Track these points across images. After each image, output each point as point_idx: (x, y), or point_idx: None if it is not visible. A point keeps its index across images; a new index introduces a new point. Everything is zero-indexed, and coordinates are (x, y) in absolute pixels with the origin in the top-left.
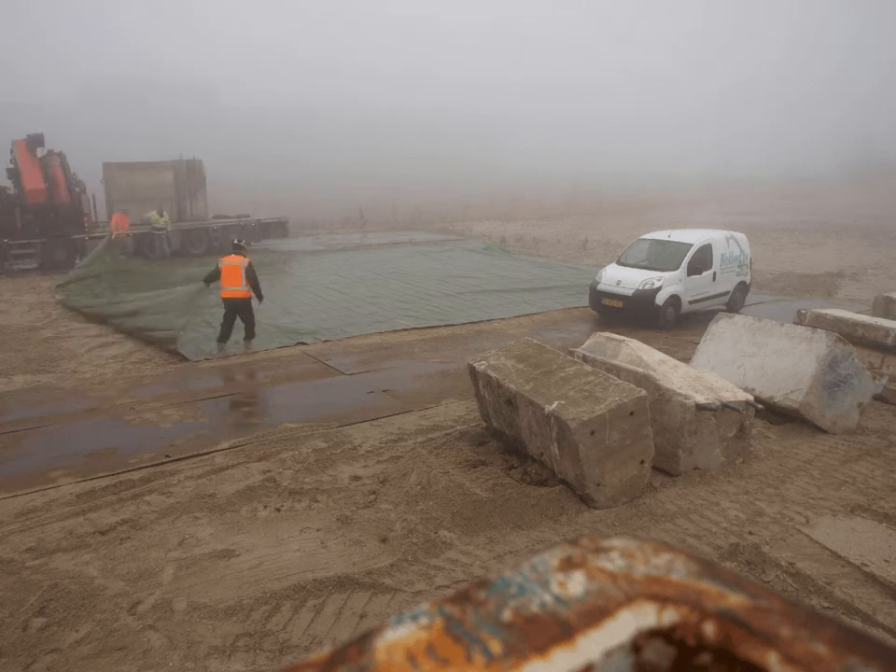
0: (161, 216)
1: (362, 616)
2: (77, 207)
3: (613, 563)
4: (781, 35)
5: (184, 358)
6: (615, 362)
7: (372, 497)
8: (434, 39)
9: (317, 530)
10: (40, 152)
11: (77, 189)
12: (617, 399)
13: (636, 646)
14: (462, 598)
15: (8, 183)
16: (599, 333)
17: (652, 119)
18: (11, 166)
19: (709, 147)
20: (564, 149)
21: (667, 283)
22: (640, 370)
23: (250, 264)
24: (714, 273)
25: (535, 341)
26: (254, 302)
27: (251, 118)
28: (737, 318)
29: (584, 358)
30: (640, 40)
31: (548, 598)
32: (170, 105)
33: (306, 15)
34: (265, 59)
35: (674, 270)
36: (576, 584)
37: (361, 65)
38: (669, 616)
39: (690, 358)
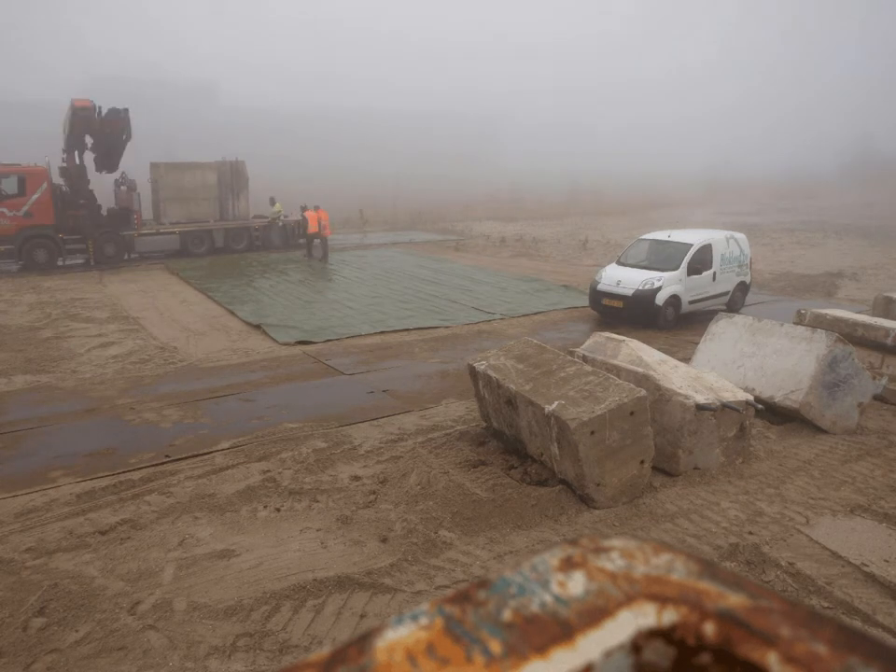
0: None
1: (362, 616)
2: (127, 205)
3: (613, 563)
4: (782, 37)
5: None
6: (615, 362)
7: (372, 496)
8: (436, 41)
9: (317, 530)
10: None
11: (126, 188)
12: (617, 398)
13: (636, 646)
14: (462, 598)
15: (62, 181)
16: (599, 333)
17: (653, 119)
18: (65, 165)
19: (710, 147)
20: (564, 150)
21: (667, 283)
22: (640, 370)
23: None
24: (714, 273)
25: (535, 341)
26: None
27: (250, 117)
28: (737, 318)
29: (584, 358)
30: (641, 44)
31: (548, 598)
32: (170, 105)
33: (308, 18)
34: (266, 59)
35: (674, 270)
36: (576, 584)
37: (362, 67)
38: (669, 616)
39: (690, 358)
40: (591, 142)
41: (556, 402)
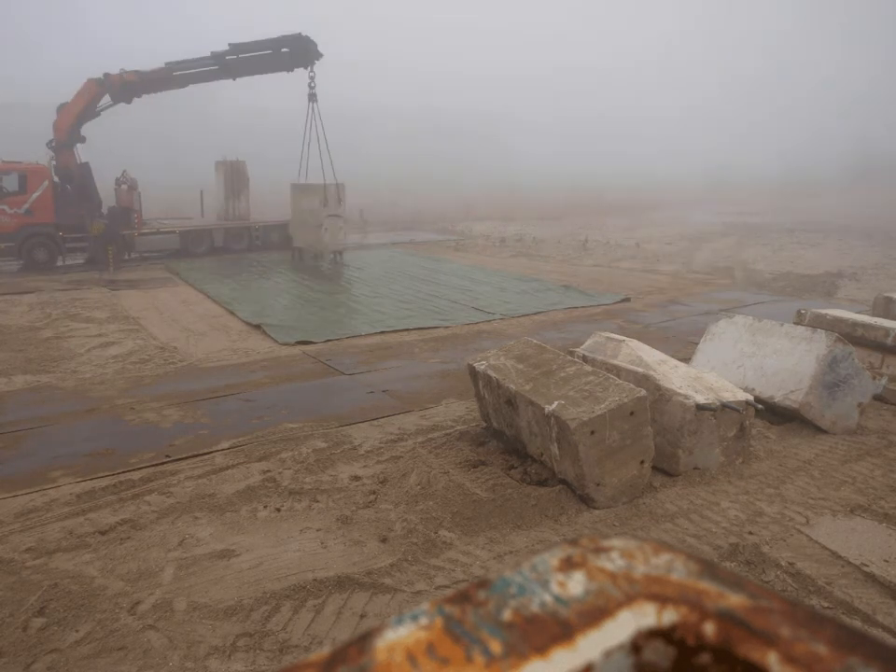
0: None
1: (362, 616)
2: (128, 205)
3: (613, 563)
4: (784, 38)
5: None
6: (615, 362)
7: (372, 496)
8: (438, 40)
9: (317, 530)
10: None
11: (127, 187)
12: (617, 398)
13: (636, 646)
14: (462, 598)
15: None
16: (599, 333)
17: (653, 119)
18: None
19: (710, 148)
20: (566, 152)
21: None
22: (640, 369)
23: None
24: None
25: (535, 341)
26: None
27: (251, 117)
28: (737, 318)
29: (584, 358)
30: (641, 44)
31: (548, 598)
32: (169, 105)
33: (308, 14)
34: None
35: None
36: (576, 584)
37: (363, 65)
38: (669, 616)
39: (690, 358)
40: (591, 143)
41: (556, 402)
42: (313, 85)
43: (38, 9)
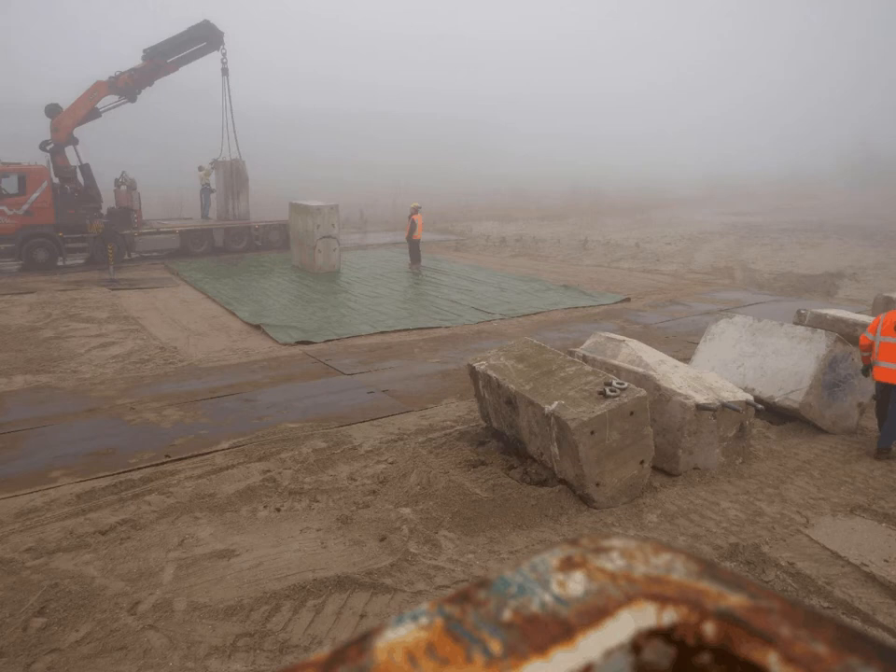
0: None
1: (362, 616)
2: (127, 205)
3: (613, 563)
4: (787, 42)
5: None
6: (615, 362)
7: (372, 497)
8: (435, 43)
9: (317, 530)
10: None
11: (126, 187)
12: (617, 398)
13: (635, 646)
14: (462, 598)
15: (64, 181)
16: (599, 333)
17: (653, 124)
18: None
19: (711, 150)
20: (566, 155)
21: None
22: (640, 370)
23: None
24: None
25: (535, 341)
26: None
27: (251, 118)
28: (737, 318)
29: (584, 358)
30: (642, 49)
31: (548, 598)
32: (167, 105)
33: (311, 24)
34: (264, 60)
35: None
36: (576, 584)
37: (362, 68)
38: (669, 616)
39: (690, 358)
40: (593, 147)
41: (556, 402)
42: (225, 60)
43: (39, 9)
